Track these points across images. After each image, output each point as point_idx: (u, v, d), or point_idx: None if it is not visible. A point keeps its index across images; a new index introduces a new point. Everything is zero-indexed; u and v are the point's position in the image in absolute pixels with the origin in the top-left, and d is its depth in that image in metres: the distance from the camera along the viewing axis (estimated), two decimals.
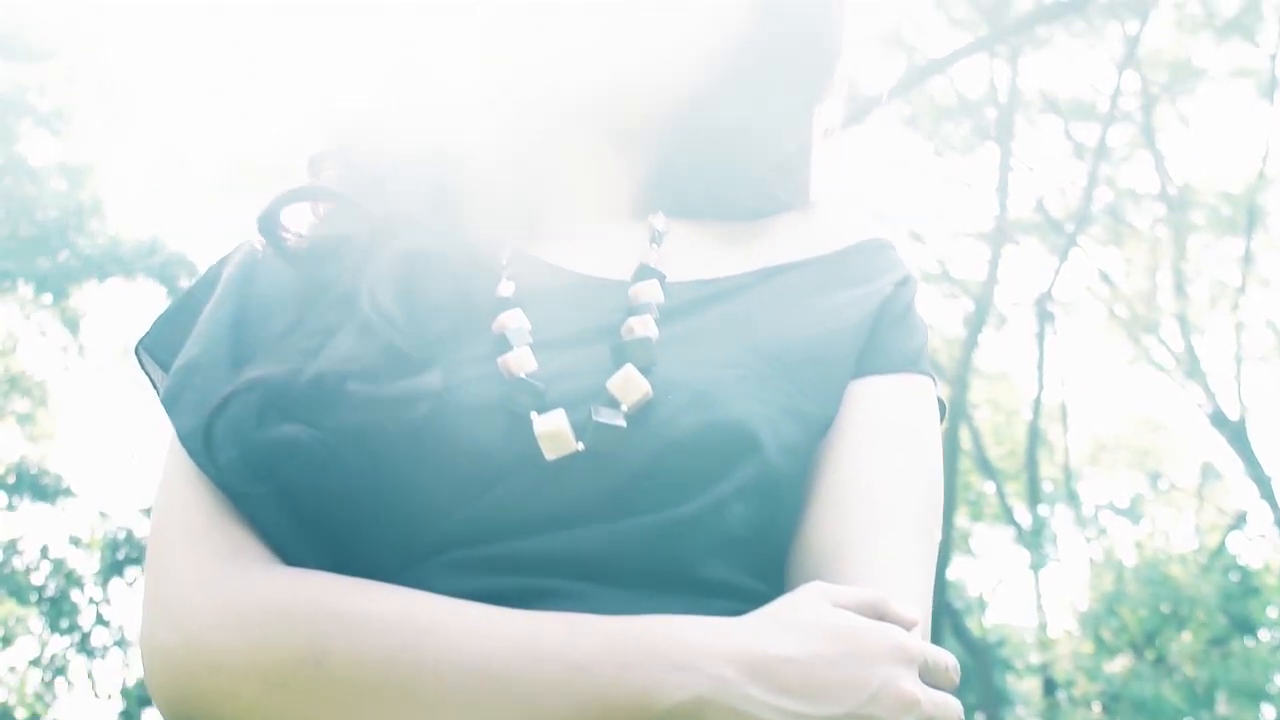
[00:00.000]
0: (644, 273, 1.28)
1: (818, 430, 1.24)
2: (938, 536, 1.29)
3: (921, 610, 1.19)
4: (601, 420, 1.15)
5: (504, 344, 1.21)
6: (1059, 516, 19.78)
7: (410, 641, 1.10)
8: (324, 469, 1.14)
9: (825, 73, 1.41)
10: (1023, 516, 18.79)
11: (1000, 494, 18.88)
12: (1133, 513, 20.18)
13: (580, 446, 1.15)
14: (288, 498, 1.17)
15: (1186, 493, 20.29)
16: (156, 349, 1.35)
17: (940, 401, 1.35)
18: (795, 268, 1.34)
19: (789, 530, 1.24)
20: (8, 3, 14.18)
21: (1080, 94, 16.93)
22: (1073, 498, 19.75)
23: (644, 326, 1.22)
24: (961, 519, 19.14)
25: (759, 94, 1.38)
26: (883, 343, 1.31)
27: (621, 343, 1.21)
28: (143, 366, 1.38)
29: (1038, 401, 18.15)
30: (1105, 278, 18.10)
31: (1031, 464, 18.12)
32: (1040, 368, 17.98)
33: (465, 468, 1.15)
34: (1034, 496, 18.37)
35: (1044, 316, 17.83)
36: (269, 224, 1.29)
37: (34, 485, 14.60)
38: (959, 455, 16.35)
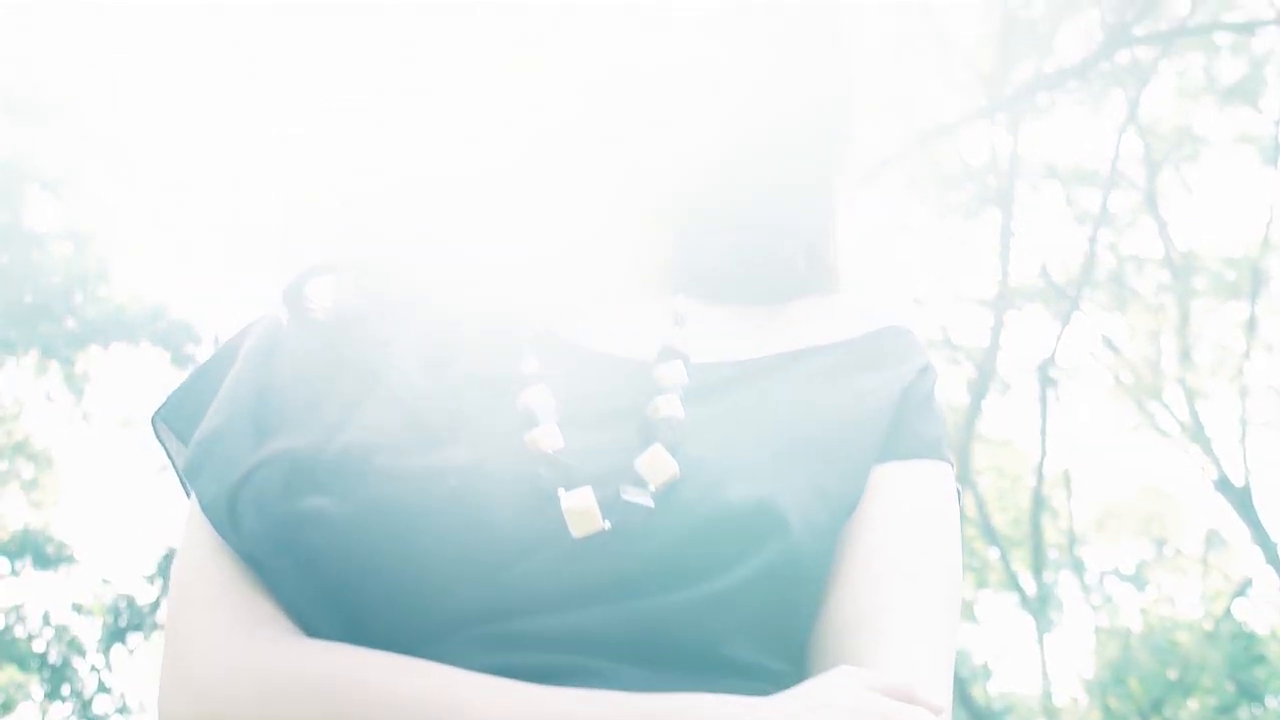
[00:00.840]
0: (668, 353, 1.28)
1: (842, 513, 1.24)
2: (959, 621, 1.29)
3: (945, 696, 1.18)
4: (629, 499, 1.14)
5: (530, 420, 1.20)
6: (1064, 583, 19.70)
7: (435, 717, 1.09)
8: (349, 541, 1.14)
9: (840, 148, 1.41)
10: (1028, 583, 18.72)
11: (1005, 561, 18.81)
12: (1138, 580, 20.10)
13: (607, 525, 1.14)
14: (312, 569, 1.16)
15: (1192, 559, 20.21)
16: (174, 420, 1.35)
17: (958, 488, 1.35)
18: (819, 352, 1.34)
19: (812, 612, 1.23)
20: (13, 65, 14.24)
21: (1083, 160, 16.97)
22: (1077, 565, 19.67)
23: (670, 406, 1.22)
24: (966, 586, 19.06)
25: (779, 172, 1.38)
26: (906, 429, 1.32)
27: (649, 422, 1.21)
28: (158, 437, 1.37)
29: (1040, 468, 18.10)
30: (1109, 343, 18.10)
31: (1036, 531, 18.06)
32: (1043, 434, 17.94)
33: (491, 543, 1.14)
34: (1038, 563, 18.30)
35: (1046, 382, 17.80)
36: (294, 296, 1.29)
37: (37, 551, 14.57)
38: (963, 522, 16.31)
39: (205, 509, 1.22)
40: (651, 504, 1.15)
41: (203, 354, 14.39)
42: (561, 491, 1.16)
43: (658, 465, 1.17)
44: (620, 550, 1.15)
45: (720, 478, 1.18)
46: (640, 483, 1.17)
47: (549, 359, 1.27)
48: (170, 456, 1.36)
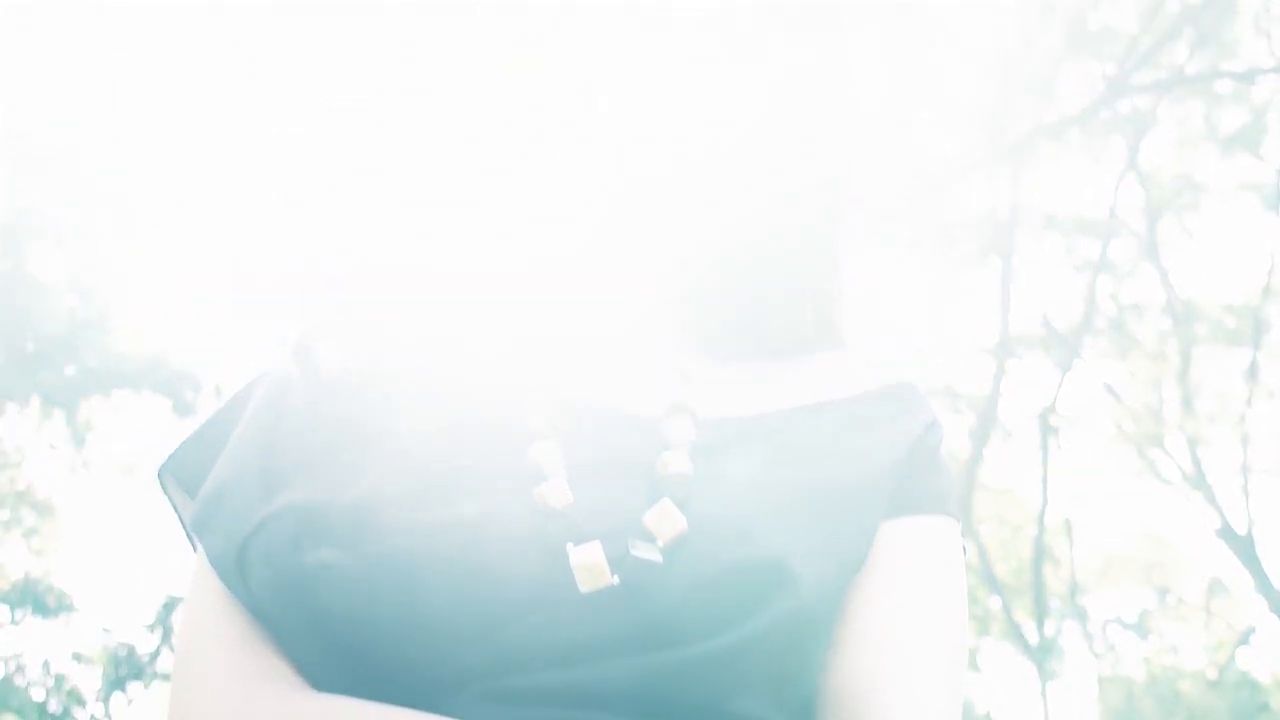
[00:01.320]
0: (676, 409, 1.28)
1: (850, 569, 1.24)
2: (965, 675, 1.29)
3: None
4: (637, 554, 1.14)
5: (538, 475, 1.20)
6: (1067, 632, 19.65)
7: None
8: (358, 596, 1.14)
9: (845, 206, 1.42)
10: (1030, 632, 18.68)
11: (1007, 609, 18.76)
12: (1141, 628, 20.05)
13: (615, 580, 1.14)
14: (320, 623, 1.16)
15: (1195, 608, 20.16)
16: (180, 473, 1.35)
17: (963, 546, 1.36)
18: (826, 408, 1.35)
19: (820, 668, 1.23)
20: (15, 112, 14.28)
21: (1083, 208, 16.99)
22: (1080, 613, 19.62)
23: (678, 462, 1.22)
24: (968, 635, 18.98)
25: (786, 230, 1.38)
26: (914, 485, 1.32)
27: (657, 477, 1.21)
28: (165, 491, 1.37)
29: (1042, 516, 18.07)
30: (1110, 391, 18.09)
31: (1037, 579, 18.02)
32: (1044, 482, 17.91)
33: (499, 598, 1.14)
34: (1040, 612, 18.26)
35: (1047, 431, 17.78)
36: (304, 350, 1.29)
37: (37, 600, 14.53)
38: (965, 571, 16.27)
39: (213, 562, 1.22)
40: (660, 559, 1.15)
41: (204, 402, 14.40)
42: (570, 546, 1.16)
43: (666, 521, 1.17)
44: (628, 605, 1.15)
45: (729, 533, 1.18)
46: (649, 538, 1.17)
47: (557, 415, 1.27)
48: (177, 511, 1.36)
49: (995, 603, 19.29)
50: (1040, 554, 18.11)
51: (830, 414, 1.35)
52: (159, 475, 1.37)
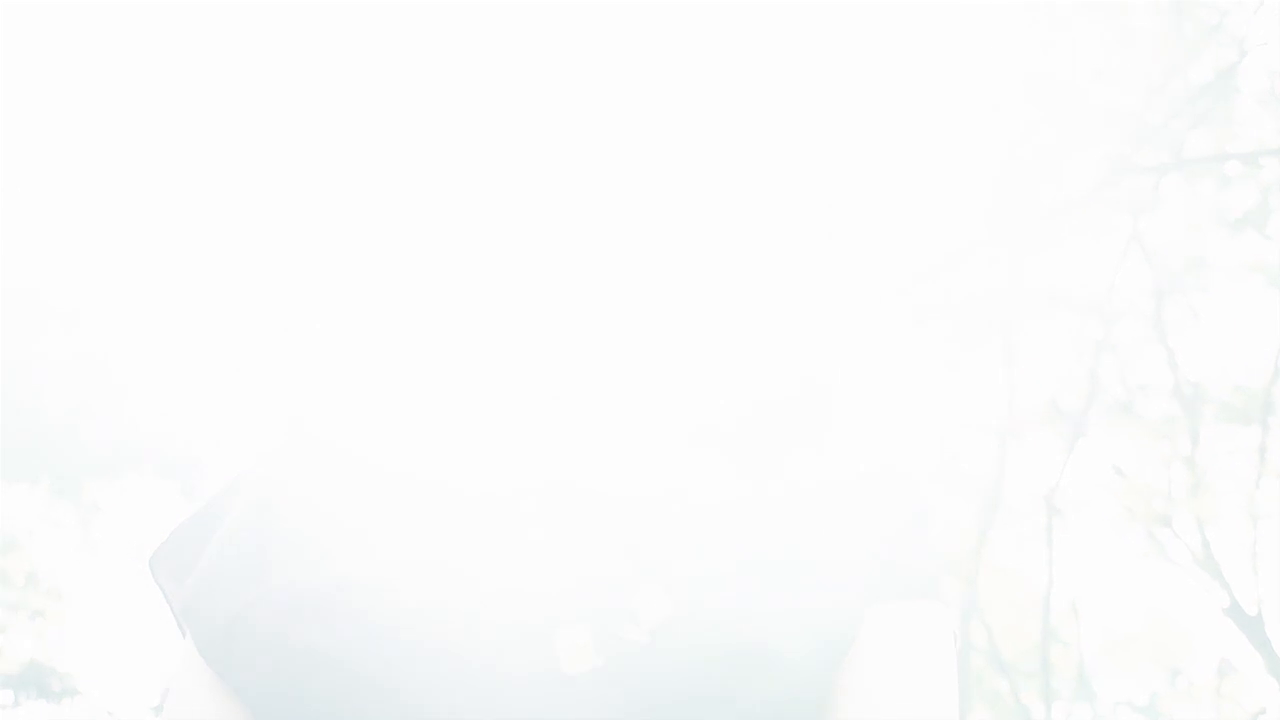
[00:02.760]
0: (665, 491, 1.29)
1: (836, 654, 1.24)
2: None
3: None
4: (624, 635, 1.15)
5: (525, 558, 1.21)
6: (1076, 715, 19.52)
7: None
8: (343, 680, 1.14)
9: (845, 307, 1.43)
10: (1040, 716, 18.56)
11: (1015, 692, 18.65)
12: (1151, 711, 19.92)
13: (600, 661, 1.14)
14: (306, 707, 1.16)
15: (1205, 689, 20.04)
16: (171, 561, 1.35)
17: (955, 632, 1.36)
18: (815, 491, 1.35)
19: None
20: (18, 193, 14.34)
21: (1089, 288, 16.99)
22: (1089, 695, 19.51)
23: (666, 545, 1.23)
24: (978, 717, 18.90)
25: (786, 322, 1.39)
26: (902, 569, 1.31)
27: (644, 560, 1.22)
28: (155, 578, 1.37)
29: (1049, 597, 17.99)
30: (1117, 471, 18.05)
31: (1045, 661, 17.93)
32: (1051, 563, 17.85)
33: (485, 681, 1.15)
34: (1049, 694, 18.16)
35: (1053, 511, 17.73)
36: (297, 435, 1.30)
37: (41, 684, 14.49)
38: (973, 653, 16.22)
39: (200, 645, 1.22)
40: (645, 640, 1.16)
41: (210, 484, 14.40)
42: (555, 628, 1.16)
43: (652, 603, 1.18)
44: (612, 687, 1.15)
45: (714, 616, 1.18)
46: (634, 620, 1.17)
47: (545, 498, 1.28)
48: (167, 599, 1.36)
49: (1004, 685, 19.20)
50: (1048, 636, 18.03)
51: (820, 498, 1.35)
52: (149, 564, 1.37)
